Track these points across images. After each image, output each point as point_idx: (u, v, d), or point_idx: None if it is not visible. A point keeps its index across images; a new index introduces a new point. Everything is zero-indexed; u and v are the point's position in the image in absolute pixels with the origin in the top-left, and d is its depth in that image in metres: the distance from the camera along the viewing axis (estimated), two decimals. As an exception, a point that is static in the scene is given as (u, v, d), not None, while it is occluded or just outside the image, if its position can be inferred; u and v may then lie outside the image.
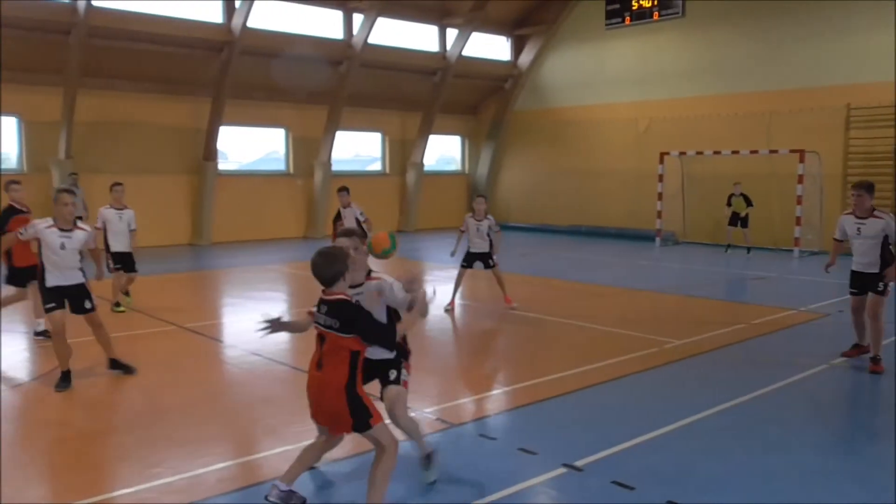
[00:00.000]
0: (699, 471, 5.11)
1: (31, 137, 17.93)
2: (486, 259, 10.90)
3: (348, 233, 4.70)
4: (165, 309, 11.01)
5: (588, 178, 23.69)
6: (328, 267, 4.20)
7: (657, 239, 20.46)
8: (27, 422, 6.35)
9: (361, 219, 12.67)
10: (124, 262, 10.64)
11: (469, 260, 10.99)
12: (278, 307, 11.94)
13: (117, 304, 10.73)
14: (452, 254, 11.20)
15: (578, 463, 5.16)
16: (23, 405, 6.80)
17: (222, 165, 20.95)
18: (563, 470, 5.08)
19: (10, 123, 17.90)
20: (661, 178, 20.38)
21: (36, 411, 6.64)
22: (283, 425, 5.95)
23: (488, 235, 10.87)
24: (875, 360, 7.56)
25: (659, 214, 20.42)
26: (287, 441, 5.17)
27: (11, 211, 8.75)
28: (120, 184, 10.77)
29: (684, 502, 4.56)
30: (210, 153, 20.14)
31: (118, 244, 10.58)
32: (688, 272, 15.61)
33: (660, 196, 20.40)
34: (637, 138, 22.38)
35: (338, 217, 13.42)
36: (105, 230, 10.55)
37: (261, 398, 6.85)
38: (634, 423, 6.06)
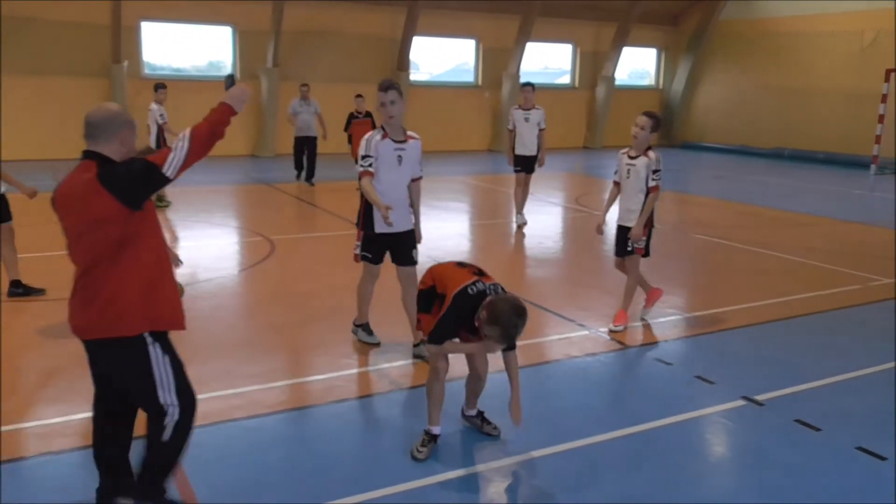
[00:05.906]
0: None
1: (244, 46, 19.22)
2: None
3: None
4: (353, 212, 11.61)
5: (798, 96, 21.69)
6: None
7: (872, 166, 18.54)
8: (240, 308, 7.09)
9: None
10: None
11: None
12: (461, 218, 12.24)
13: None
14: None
15: (759, 397, 4.96)
16: (234, 292, 7.59)
17: (413, 76, 21.35)
18: (741, 402, 4.91)
19: (226, 32, 19.28)
20: (884, 98, 18.23)
21: (245, 298, 7.40)
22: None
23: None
24: None
25: (877, 139, 18.40)
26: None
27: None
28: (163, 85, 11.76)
29: (875, 451, 4.27)
30: (403, 63, 20.58)
31: None
32: (906, 205, 14.06)
33: (880, 119, 18.32)
34: (859, 53, 20.05)
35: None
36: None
37: (441, 304, 7.13)
38: (825, 362, 5.70)
